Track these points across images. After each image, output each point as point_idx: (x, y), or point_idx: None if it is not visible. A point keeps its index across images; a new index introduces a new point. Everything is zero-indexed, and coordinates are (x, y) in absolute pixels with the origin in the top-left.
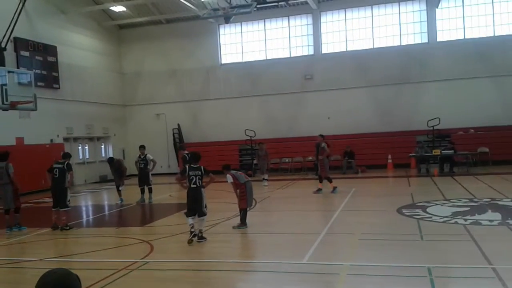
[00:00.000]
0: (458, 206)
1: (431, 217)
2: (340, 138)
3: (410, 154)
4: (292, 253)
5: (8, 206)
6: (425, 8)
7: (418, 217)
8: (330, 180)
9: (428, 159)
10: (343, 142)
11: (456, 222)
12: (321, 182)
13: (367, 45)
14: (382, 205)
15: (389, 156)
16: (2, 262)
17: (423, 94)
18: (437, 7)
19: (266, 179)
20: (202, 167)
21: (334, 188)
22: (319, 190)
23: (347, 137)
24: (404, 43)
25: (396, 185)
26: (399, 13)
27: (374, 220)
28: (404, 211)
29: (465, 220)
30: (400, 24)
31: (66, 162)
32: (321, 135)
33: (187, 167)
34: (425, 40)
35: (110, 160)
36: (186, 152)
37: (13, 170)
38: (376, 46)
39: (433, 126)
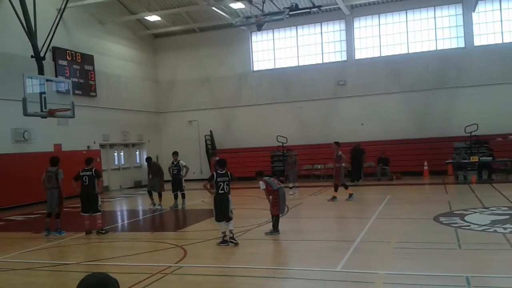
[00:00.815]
0: (497, 214)
1: (469, 226)
2: (374, 144)
3: (447, 161)
4: (325, 260)
5: (51, 210)
6: (461, 12)
7: (455, 225)
8: (339, 188)
9: (466, 166)
10: (377, 148)
11: (495, 231)
12: (336, 190)
13: (402, 50)
14: (418, 213)
15: (425, 163)
16: (42, 265)
17: (459, 99)
18: (473, 11)
19: (296, 187)
20: (229, 173)
21: (351, 195)
22: (333, 198)
23: (381, 143)
24: (440, 47)
25: (432, 192)
26: (435, 17)
27: (410, 228)
28: (441, 219)
29: (505, 228)
30: (435, 28)
31: (93, 169)
32: (337, 143)
33: (214, 173)
34: (461, 44)
35: (148, 160)
36: (218, 158)
37: (63, 177)
38: (411, 51)
39: (470, 132)
